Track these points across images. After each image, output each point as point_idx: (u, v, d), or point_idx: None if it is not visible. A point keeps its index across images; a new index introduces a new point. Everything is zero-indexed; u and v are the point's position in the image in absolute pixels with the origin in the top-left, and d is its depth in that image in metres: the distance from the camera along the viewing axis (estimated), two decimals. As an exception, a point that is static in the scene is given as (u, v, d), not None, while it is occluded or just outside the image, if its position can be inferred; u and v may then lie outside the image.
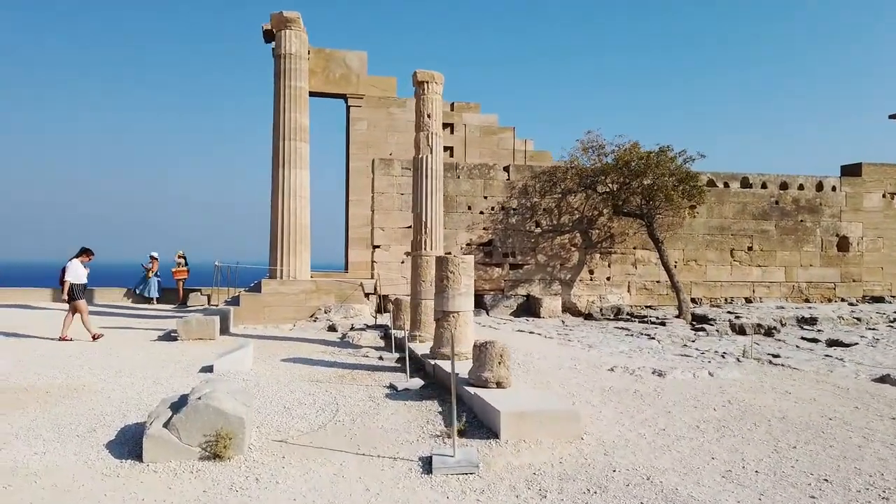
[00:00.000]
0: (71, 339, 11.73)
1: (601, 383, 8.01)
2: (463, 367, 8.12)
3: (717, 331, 13.32)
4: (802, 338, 12.77)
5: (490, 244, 16.38)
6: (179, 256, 21.61)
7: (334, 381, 8.45)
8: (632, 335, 12.47)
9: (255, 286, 19.67)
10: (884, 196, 18.82)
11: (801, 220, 18.25)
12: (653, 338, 11.93)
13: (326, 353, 10.74)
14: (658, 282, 17.19)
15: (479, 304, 15.40)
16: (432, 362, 8.51)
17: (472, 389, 6.73)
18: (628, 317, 15.88)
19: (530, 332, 13.16)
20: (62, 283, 12.03)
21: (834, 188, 18.56)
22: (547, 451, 5.45)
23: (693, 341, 11.80)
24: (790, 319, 14.49)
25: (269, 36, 22.80)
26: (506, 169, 16.74)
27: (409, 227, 16.12)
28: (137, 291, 21.64)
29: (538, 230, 16.61)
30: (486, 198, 16.43)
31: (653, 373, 8.50)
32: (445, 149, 22.62)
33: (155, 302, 21.25)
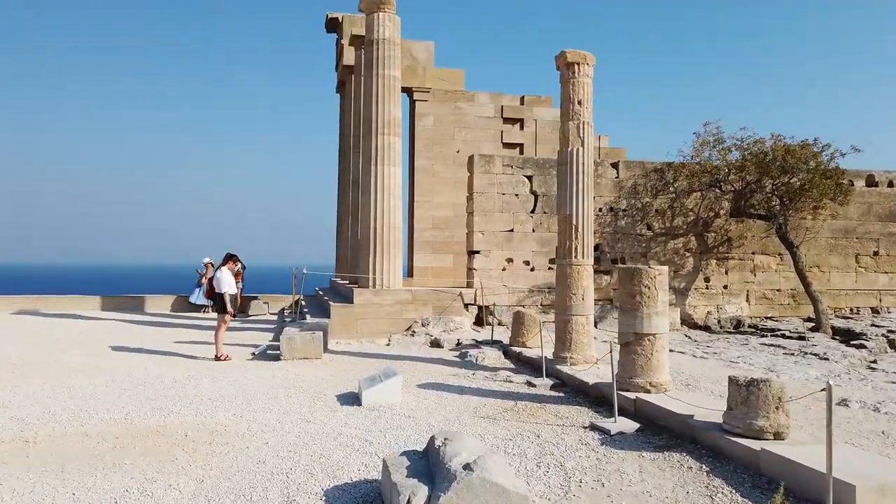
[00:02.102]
0: (230, 358, 10.46)
1: (858, 426, 6.49)
2: (672, 403, 6.68)
3: (876, 347, 11.74)
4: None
5: (597, 249, 14.85)
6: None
7: (508, 417, 7.01)
8: (791, 353, 10.92)
9: (333, 293, 18.30)
10: None
11: (930, 222, 16.57)
12: (825, 357, 10.36)
13: (461, 377, 9.31)
14: (779, 290, 15.58)
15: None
16: (630, 396, 7.01)
17: (748, 443, 5.23)
18: (752, 329, 14.31)
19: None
20: (211, 296, 10.76)
21: (963, 186, 16.86)
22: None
23: (874, 362, 10.24)
24: (948, 334, 12.85)
25: (331, 25, 21.45)
26: (614, 166, 15.21)
27: (511, 230, 14.67)
28: (192, 301, 20.37)
29: (649, 233, 15.06)
30: (593, 197, 14.89)
31: (904, 410, 6.96)
32: (514, 145, 21.17)
33: (210, 310, 19.97)
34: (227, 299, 10.58)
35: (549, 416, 7.11)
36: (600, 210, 14.93)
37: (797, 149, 13.23)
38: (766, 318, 15.29)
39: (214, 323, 16.38)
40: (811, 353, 10.70)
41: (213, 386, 8.44)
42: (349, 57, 18.66)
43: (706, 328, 14.61)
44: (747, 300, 15.41)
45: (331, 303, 13.63)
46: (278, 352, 10.81)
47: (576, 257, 9.39)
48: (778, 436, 5.28)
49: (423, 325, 13.48)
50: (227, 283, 10.59)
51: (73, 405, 7.19)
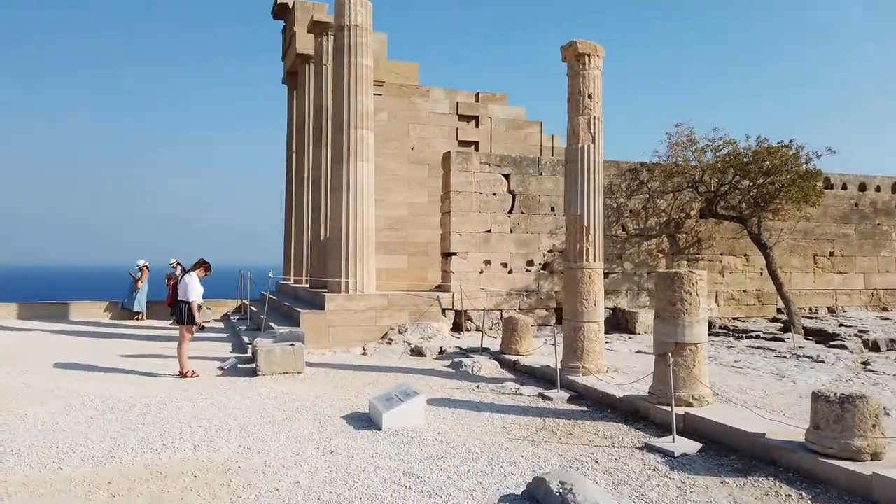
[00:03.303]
0: (197, 374, 9.25)
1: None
2: (728, 418, 6.24)
3: (856, 348, 11.87)
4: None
5: (573, 250, 14.46)
6: (176, 265, 18.58)
7: (547, 438, 6.37)
8: (784, 356, 10.83)
9: (291, 298, 17.07)
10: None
11: (878, 224, 17.20)
12: (819, 360, 10.31)
13: (466, 391, 8.60)
14: (745, 291, 15.72)
15: (561, 319, 13.45)
16: (679, 411, 6.50)
17: (850, 466, 4.80)
18: (724, 330, 14.28)
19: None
20: (173, 303, 9.51)
21: (908, 190, 17.63)
22: None
23: (866, 363, 10.26)
24: (912, 333, 13.23)
25: (280, 11, 20.12)
26: (590, 165, 14.84)
27: (489, 231, 14.04)
28: (123, 306, 18.64)
29: (624, 234, 14.82)
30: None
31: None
32: (470, 143, 20.60)
33: (143, 317, 18.36)
34: (195, 309, 9.44)
35: (589, 435, 6.52)
36: (577, 210, 14.54)
37: (778, 150, 13.30)
38: (734, 318, 15.38)
39: (155, 332, 15.02)
40: (805, 356, 10.63)
41: (194, 410, 7.36)
42: (305, 45, 17.53)
43: (680, 330, 14.50)
44: (716, 301, 15.47)
45: (299, 309, 12.56)
46: (253, 366, 9.78)
47: (587, 260, 8.86)
48: (875, 456, 4.89)
49: (399, 333, 12.65)
50: (196, 291, 9.44)
51: (36, 441, 5.99)
